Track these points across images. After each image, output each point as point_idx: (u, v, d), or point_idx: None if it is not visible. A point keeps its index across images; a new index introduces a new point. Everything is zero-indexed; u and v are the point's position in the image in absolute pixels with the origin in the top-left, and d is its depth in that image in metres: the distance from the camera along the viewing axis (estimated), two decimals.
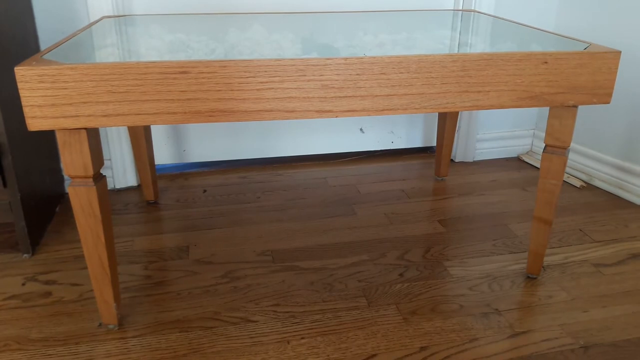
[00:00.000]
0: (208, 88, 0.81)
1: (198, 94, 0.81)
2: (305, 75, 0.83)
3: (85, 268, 1.15)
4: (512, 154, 1.80)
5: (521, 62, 0.90)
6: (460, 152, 1.74)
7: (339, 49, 0.93)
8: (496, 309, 1.04)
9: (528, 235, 1.31)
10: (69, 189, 0.85)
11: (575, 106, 0.97)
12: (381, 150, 1.80)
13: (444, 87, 0.89)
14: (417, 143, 1.81)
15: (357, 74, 0.85)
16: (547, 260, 1.20)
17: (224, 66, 0.80)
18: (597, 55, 0.92)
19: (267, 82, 0.83)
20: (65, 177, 1.48)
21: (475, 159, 1.77)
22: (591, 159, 1.60)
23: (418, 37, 1.06)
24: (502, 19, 1.30)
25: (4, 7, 1.12)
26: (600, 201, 1.49)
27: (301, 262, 1.19)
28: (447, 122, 1.52)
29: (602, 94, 0.95)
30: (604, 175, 1.56)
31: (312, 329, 0.99)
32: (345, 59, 0.84)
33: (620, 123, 1.51)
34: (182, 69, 0.80)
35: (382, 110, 0.88)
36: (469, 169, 1.70)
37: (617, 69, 0.93)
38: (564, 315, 1.03)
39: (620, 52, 0.93)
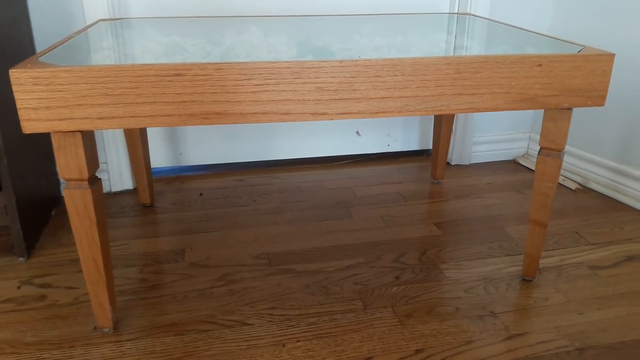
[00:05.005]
0: (203, 90, 0.81)
1: (193, 96, 0.81)
2: (300, 78, 0.83)
3: (81, 271, 1.15)
4: (508, 156, 1.81)
5: (515, 65, 0.90)
6: (456, 155, 1.75)
7: (334, 52, 0.93)
8: (492, 312, 1.04)
9: (524, 237, 1.31)
10: (64, 192, 0.85)
11: (570, 108, 0.97)
12: (377, 153, 1.80)
13: (438, 90, 0.89)
14: (413, 146, 1.81)
15: (352, 77, 0.85)
16: (543, 262, 1.21)
17: (219, 69, 0.81)
18: (591, 57, 0.92)
19: (262, 85, 0.83)
20: (61, 180, 1.47)
21: (471, 162, 1.77)
22: (586, 162, 1.61)
23: (413, 40, 1.06)
24: (497, 22, 1.30)
25: None
26: (595, 204, 1.49)
27: (297, 265, 1.19)
28: (443, 125, 1.52)
29: (596, 97, 0.95)
30: (599, 178, 1.57)
31: (307, 332, 0.98)
32: (341, 61, 0.84)
33: (615, 125, 1.51)
34: (177, 72, 0.80)
35: (377, 112, 0.88)
36: (465, 172, 1.70)
37: (611, 71, 0.94)
38: (559, 318, 1.03)
39: (614, 54, 0.93)
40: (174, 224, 1.36)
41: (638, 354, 0.94)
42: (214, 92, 0.82)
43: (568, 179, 1.64)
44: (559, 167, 1.01)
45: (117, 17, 1.39)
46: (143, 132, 1.36)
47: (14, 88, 0.76)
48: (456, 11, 1.64)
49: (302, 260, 1.21)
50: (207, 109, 0.83)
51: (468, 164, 1.77)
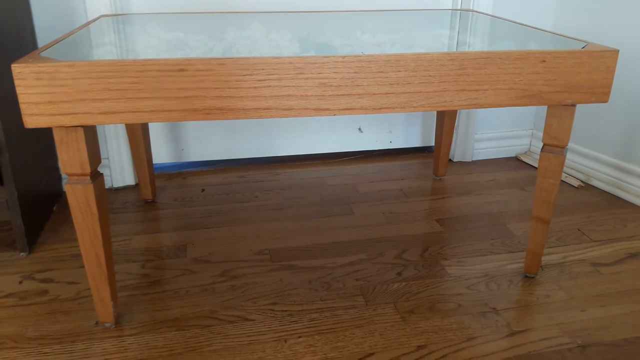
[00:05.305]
0: (205, 86, 0.81)
1: (195, 91, 0.81)
2: (303, 74, 0.83)
3: (82, 266, 1.15)
4: (511, 153, 1.80)
5: (519, 61, 0.90)
6: (459, 151, 1.74)
7: (337, 48, 0.93)
8: (494, 308, 1.04)
9: (526, 234, 1.31)
10: (65, 187, 0.85)
11: (574, 105, 0.96)
12: (379, 150, 1.80)
13: (441, 86, 0.89)
14: (416, 143, 1.81)
15: (355, 72, 0.85)
16: (545, 259, 1.20)
17: (222, 64, 0.80)
18: (595, 54, 0.92)
19: (264, 80, 0.82)
20: (63, 175, 1.47)
21: (473, 159, 1.77)
22: (589, 159, 1.60)
23: (416, 36, 1.06)
24: (501, 18, 1.30)
25: (1, 5, 1.12)
26: (598, 201, 1.49)
27: (299, 261, 1.19)
28: (445, 122, 1.51)
29: (600, 93, 0.95)
30: (602, 175, 1.56)
31: (309, 327, 0.98)
32: (344, 57, 0.84)
33: (619, 123, 1.51)
34: (179, 67, 0.79)
35: (380, 108, 0.88)
36: (467, 169, 1.70)
37: (615, 67, 0.93)
38: (561, 315, 1.03)
39: (618, 50, 0.93)
40: (175, 219, 1.36)
41: None
42: (216, 88, 0.82)
43: (570, 176, 1.64)
44: (562, 164, 1.01)
45: (119, 12, 1.39)
46: (145, 128, 1.36)
47: (16, 83, 0.76)
48: (459, 7, 1.64)
49: (303, 256, 1.21)
50: (209, 105, 0.83)
51: (470, 160, 1.76)
